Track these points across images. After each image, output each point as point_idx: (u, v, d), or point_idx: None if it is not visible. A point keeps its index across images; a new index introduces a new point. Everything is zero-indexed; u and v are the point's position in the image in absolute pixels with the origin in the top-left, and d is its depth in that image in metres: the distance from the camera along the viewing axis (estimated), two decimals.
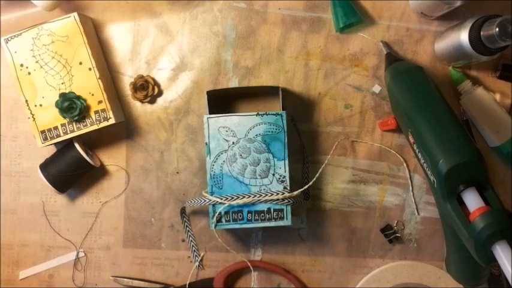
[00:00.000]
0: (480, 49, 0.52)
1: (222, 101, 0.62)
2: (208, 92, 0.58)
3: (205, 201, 0.57)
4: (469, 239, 0.45)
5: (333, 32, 0.62)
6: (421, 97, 0.52)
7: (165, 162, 0.64)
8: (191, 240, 0.64)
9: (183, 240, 0.65)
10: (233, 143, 0.57)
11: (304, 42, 0.62)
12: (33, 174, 0.64)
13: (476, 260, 0.46)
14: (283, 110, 0.58)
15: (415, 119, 0.51)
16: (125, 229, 0.65)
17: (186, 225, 0.64)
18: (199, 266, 0.65)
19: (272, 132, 0.57)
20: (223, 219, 0.57)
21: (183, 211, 0.64)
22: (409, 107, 0.52)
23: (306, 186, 0.59)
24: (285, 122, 0.57)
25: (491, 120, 0.60)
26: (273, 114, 0.57)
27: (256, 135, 0.57)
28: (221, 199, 0.56)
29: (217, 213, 0.57)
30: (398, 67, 0.56)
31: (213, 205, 0.57)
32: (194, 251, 0.65)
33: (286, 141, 0.57)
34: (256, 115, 0.57)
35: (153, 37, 0.63)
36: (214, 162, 0.57)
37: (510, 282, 0.41)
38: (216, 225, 0.57)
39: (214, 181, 0.57)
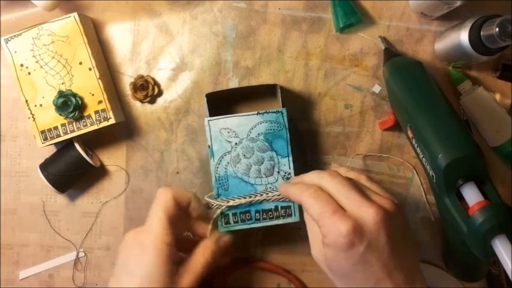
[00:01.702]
0: (480, 49, 0.52)
1: (222, 102, 0.62)
2: (207, 95, 0.58)
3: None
4: (468, 234, 0.45)
5: (333, 32, 0.62)
6: (419, 92, 0.52)
7: (165, 162, 0.64)
8: None
9: None
10: (236, 143, 0.57)
11: (304, 42, 0.62)
12: (33, 174, 0.64)
13: (474, 255, 0.46)
14: (283, 107, 0.58)
15: (414, 113, 0.51)
16: (125, 229, 0.64)
17: None
18: None
19: (274, 130, 0.57)
20: (231, 221, 0.56)
21: None
22: (408, 102, 0.52)
23: None
24: (285, 119, 0.57)
25: (491, 120, 0.60)
26: (274, 112, 0.57)
27: (258, 134, 0.57)
28: (224, 202, 0.56)
29: (222, 216, 0.56)
30: (397, 62, 0.56)
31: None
32: None
33: (288, 138, 0.57)
34: (257, 114, 0.57)
35: (153, 37, 0.63)
36: (219, 164, 0.57)
37: (510, 276, 0.41)
38: (224, 227, 0.56)
39: (220, 183, 0.57)
